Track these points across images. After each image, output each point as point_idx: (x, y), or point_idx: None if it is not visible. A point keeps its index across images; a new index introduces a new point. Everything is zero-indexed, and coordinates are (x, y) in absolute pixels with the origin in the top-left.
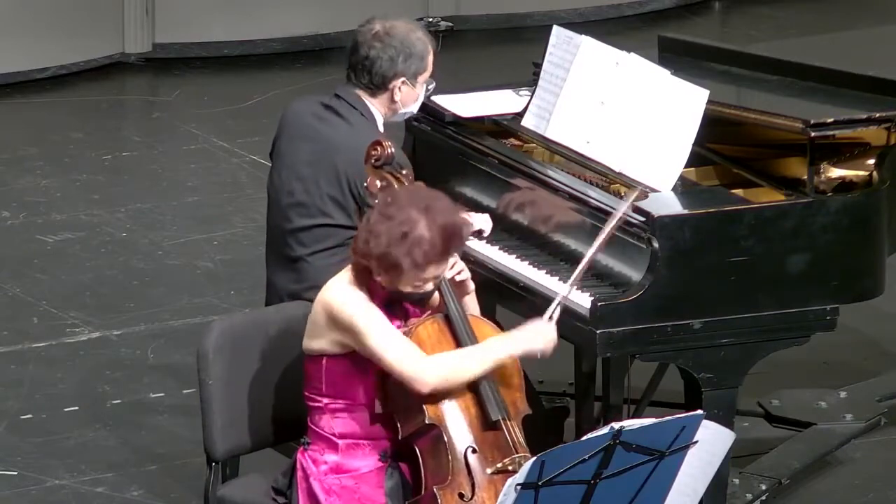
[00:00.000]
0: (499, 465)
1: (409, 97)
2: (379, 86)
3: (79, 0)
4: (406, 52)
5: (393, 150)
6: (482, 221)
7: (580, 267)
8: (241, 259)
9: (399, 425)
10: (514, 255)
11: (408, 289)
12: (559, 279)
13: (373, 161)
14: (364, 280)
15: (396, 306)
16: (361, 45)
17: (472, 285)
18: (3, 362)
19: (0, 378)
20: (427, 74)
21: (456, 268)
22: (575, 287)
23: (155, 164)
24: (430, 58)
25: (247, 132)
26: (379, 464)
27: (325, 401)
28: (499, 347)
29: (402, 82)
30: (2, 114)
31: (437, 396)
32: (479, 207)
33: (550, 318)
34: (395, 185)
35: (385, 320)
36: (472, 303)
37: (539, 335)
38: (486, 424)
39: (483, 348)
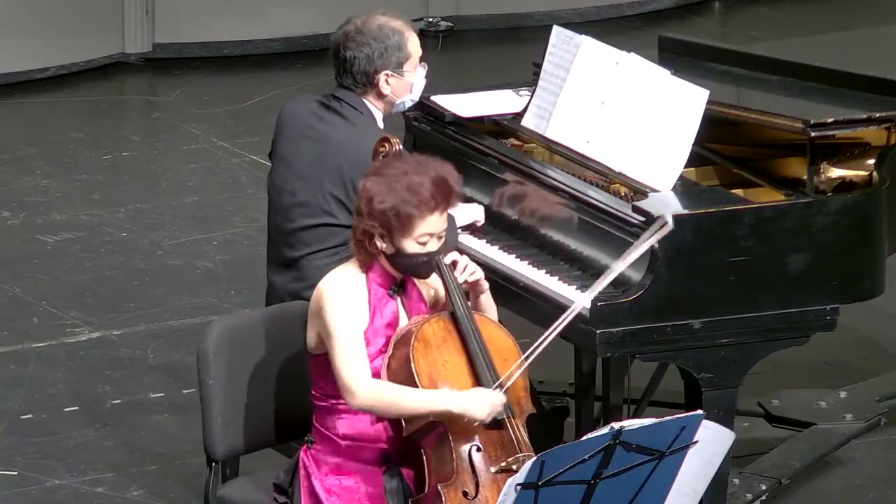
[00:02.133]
0: (503, 463)
1: (401, 87)
2: (364, 84)
3: (79, 0)
4: (381, 47)
5: (401, 146)
6: (475, 212)
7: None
8: (241, 259)
9: (403, 422)
10: (514, 255)
11: (414, 248)
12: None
13: (381, 157)
14: (365, 261)
15: (401, 291)
16: (339, 48)
17: (486, 284)
18: (3, 362)
19: (0, 378)
20: (413, 60)
21: (469, 269)
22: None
23: (155, 164)
24: (411, 44)
25: (247, 132)
26: (380, 466)
27: (332, 401)
28: (442, 401)
29: (387, 75)
30: (2, 114)
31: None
32: None
33: (501, 386)
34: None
35: (356, 329)
36: (487, 301)
37: (486, 406)
38: (490, 423)
39: (426, 396)
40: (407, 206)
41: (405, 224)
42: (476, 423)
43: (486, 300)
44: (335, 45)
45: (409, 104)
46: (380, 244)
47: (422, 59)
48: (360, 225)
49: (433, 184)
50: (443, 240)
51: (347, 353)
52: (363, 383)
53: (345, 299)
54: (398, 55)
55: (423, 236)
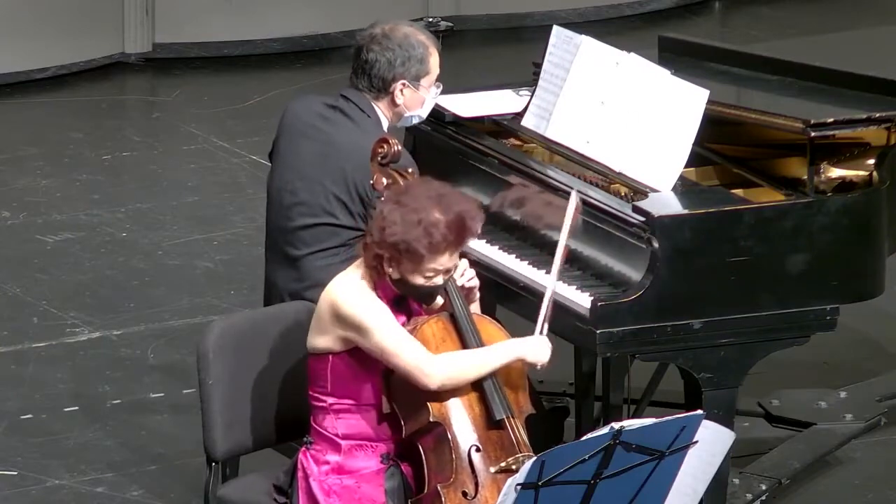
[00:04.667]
0: (502, 463)
1: (413, 100)
2: (380, 89)
3: (79, 0)
4: (405, 55)
5: (399, 147)
6: None
7: (555, 268)
8: (241, 259)
9: (403, 423)
10: (514, 255)
11: (419, 280)
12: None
13: (379, 159)
14: (373, 277)
15: (402, 304)
16: (361, 49)
17: (478, 294)
18: (3, 362)
19: (0, 378)
20: (431, 77)
21: (467, 274)
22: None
23: (155, 164)
24: (433, 60)
25: (247, 132)
26: (380, 465)
27: (330, 400)
28: (505, 351)
29: (403, 85)
30: (2, 114)
31: (441, 394)
32: None
33: (541, 332)
34: (401, 183)
35: (392, 317)
36: (475, 310)
37: (542, 347)
38: (490, 423)
39: (489, 350)
40: (418, 244)
41: (413, 260)
42: (538, 368)
43: (474, 309)
44: (358, 47)
45: (415, 120)
46: (387, 268)
47: (438, 79)
48: (371, 248)
49: (448, 226)
50: (450, 274)
51: (400, 341)
52: (430, 362)
53: (366, 296)
54: (418, 67)
55: (430, 272)
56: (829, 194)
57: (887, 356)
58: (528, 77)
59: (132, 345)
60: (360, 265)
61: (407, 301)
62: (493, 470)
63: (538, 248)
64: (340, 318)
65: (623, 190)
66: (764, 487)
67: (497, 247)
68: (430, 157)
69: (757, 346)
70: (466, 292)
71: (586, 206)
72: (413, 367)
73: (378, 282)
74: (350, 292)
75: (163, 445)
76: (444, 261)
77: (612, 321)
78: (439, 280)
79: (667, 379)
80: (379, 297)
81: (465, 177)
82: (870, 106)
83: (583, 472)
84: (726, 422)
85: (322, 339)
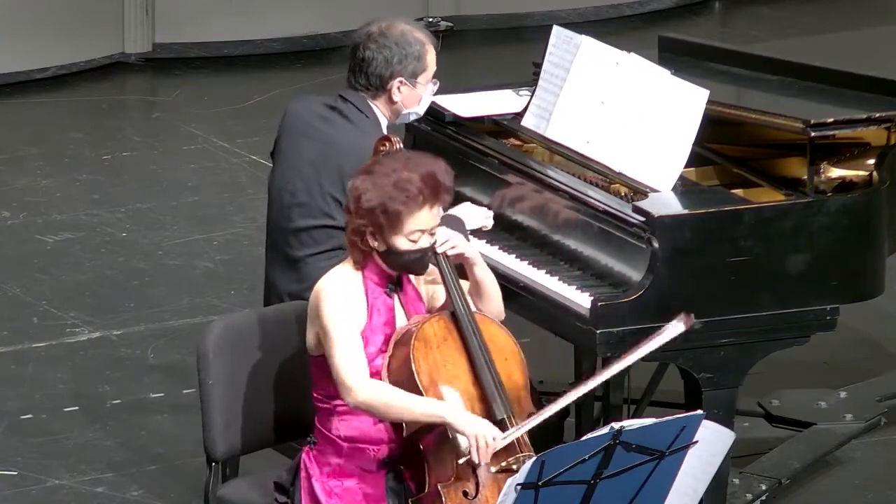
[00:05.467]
0: (503, 463)
1: (411, 98)
2: (377, 87)
3: (79, 0)
4: (401, 53)
5: (401, 145)
6: (482, 217)
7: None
8: (241, 259)
9: (404, 423)
10: (514, 255)
11: (405, 245)
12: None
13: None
14: (358, 259)
15: (398, 289)
16: (358, 47)
17: (475, 257)
18: (3, 362)
19: (0, 378)
20: (428, 74)
21: (449, 242)
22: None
23: (155, 164)
24: (430, 57)
25: (247, 132)
26: (381, 468)
27: (334, 402)
28: (440, 411)
29: (400, 82)
30: (2, 114)
31: (440, 394)
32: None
33: (505, 437)
34: None
35: (353, 327)
36: (482, 273)
37: (485, 437)
38: (491, 422)
39: (426, 403)
40: (394, 202)
41: (394, 221)
42: (457, 445)
43: (482, 272)
44: (354, 45)
45: (413, 117)
46: (371, 242)
47: (435, 76)
48: (351, 223)
49: (421, 179)
50: (435, 236)
51: (345, 351)
52: (361, 382)
53: (341, 298)
54: (415, 64)
55: (414, 233)
56: (829, 194)
57: (887, 356)
58: (528, 77)
59: (132, 345)
60: (348, 260)
61: (402, 284)
62: (493, 469)
63: (538, 248)
64: (317, 311)
65: (623, 190)
66: (764, 487)
67: (497, 247)
68: None
69: (757, 346)
70: (457, 260)
71: (587, 206)
72: (341, 381)
73: (364, 265)
74: (331, 288)
75: (163, 445)
76: (424, 217)
77: (612, 321)
78: (424, 242)
79: (667, 379)
80: (371, 283)
81: (465, 177)
82: (870, 106)
83: (583, 472)
84: (726, 422)
85: (310, 336)
